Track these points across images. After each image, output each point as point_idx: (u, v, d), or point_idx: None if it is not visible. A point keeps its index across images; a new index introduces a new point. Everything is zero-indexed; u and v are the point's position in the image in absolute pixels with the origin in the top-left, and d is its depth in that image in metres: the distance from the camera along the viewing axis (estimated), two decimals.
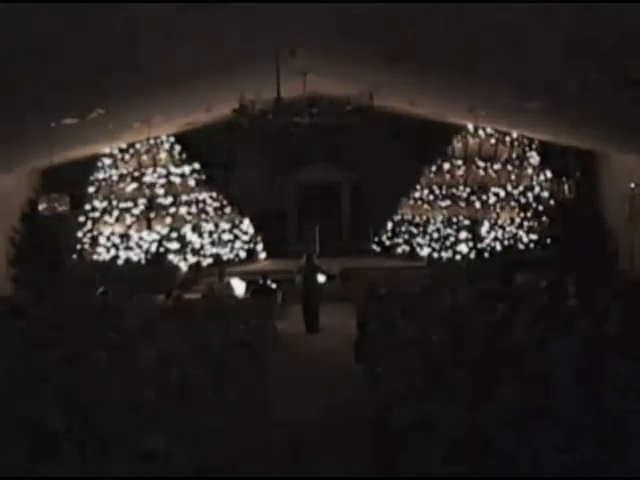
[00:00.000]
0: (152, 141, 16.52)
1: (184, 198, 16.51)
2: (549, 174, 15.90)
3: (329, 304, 13.81)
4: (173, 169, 16.79)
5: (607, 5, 4.79)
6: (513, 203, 15.85)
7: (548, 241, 15.45)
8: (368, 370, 8.84)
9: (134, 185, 16.36)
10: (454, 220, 16.02)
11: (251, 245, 17.14)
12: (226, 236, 16.72)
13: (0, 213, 15.00)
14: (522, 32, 6.36)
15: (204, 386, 7.11)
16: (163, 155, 16.85)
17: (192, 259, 15.83)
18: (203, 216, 16.61)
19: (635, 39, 5.55)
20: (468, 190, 16.23)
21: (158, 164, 16.74)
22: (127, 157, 16.60)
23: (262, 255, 17.36)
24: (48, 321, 10.44)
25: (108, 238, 15.74)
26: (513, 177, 16.23)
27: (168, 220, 16.01)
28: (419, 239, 16.41)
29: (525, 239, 15.49)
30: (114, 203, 16.10)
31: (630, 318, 9.04)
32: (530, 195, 15.98)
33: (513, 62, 7.91)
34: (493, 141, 16.52)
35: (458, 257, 15.57)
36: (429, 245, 16.10)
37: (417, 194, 17.05)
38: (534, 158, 16.41)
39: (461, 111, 13.89)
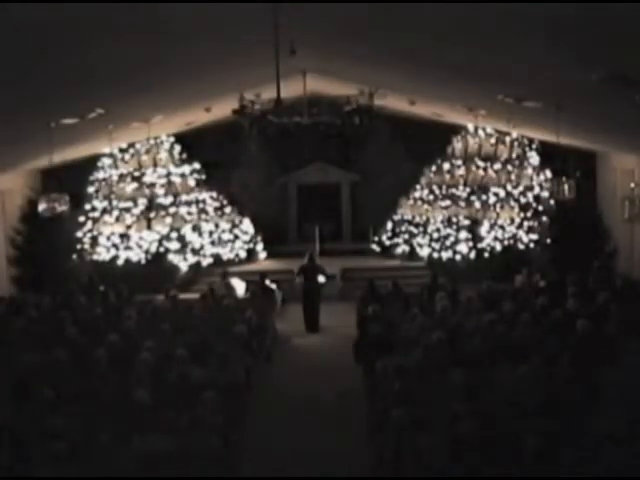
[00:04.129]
0: (152, 141, 16.51)
1: (184, 198, 16.50)
2: (549, 174, 15.88)
3: (329, 304, 13.81)
4: (173, 169, 16.78)
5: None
6: (513, 203, 15.83)
7: (548, 241, 15.43)
8: (368, 370, 8.84)
9: (134, 185, 16.34)
10: (454, 220, 16.00)
11: (251, 245, 17.14)
12: (226, 236, 16.72)
13: (0, 213, 15.00)
14: (522, 31, 6.36)
15: (203, 386, 7.11)
16: (163, 155, 16.84)
17: (192, 259, 15.82)
18: (203, 216, 16.60)
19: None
20: (468, 190, 16.22)
21: (158, 164, 16.74)
22: (127, 157, 16.59)
23: (262, 255, 17.36)
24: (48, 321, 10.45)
25: (108, 238, 15.72)
26: (513, 177, 16.21)
27: (168, 220, 15.99)
28: (419, 239, 16.40)
29: (525, 239, 15.47)
30: (114, 203, 16.09)
31: (629, 318, 9.05)
32: (530, 195, 15.97)
33: (513, 61, 7.90)
34: (493, 141, 16.52)
35: (458, 257, 15.55)
36: (429, 245, 16.08)
37: (417, 194, 17.04)
38: (534, 158, 16.40)
39: (461, 111, 13.88)
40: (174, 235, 15.77)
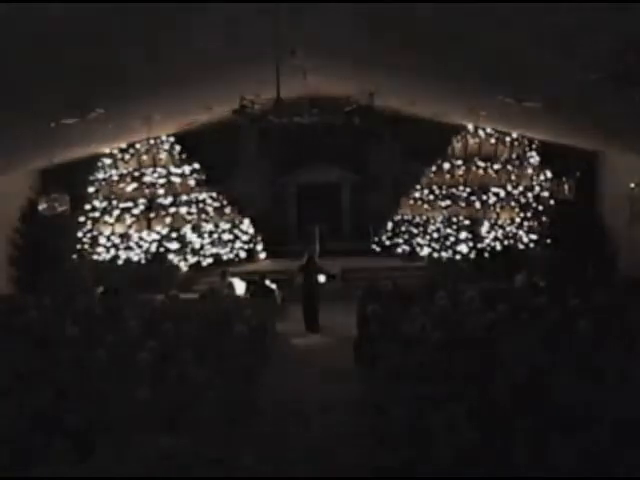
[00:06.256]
0: (152, 141, 16.52)
1: (184, 198, 16.51)
2: (549, 174, 15.89)
3: (329, 304, 13.81)
4: (173, 169, 16.80)
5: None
6: (513, 203, 15.84)
7: (548, 241, 15.44)
8: (368, 370, 8.83)
9: (134, 185, 16.35)
10: (454, 220, 16.01)
11: (251, 245, 17.15)
12: (226, 236, 16.72)
13: (0, 213, 15.01)
14: (522, 31, 6.37)
15: (204, 386, 7.11)
16: (163, 155, 16.85)
17: (192, 259, 15.83)
18: (203, 216, 16.61)
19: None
20: (468, 190, 16.23)
21: (158, 164, 16.74)
22: (127, 157, 16.60)
23: (262, 255, 17.37)
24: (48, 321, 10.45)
25: (108, 238, 15.73)
26: (513, 177, 16.22)
27: (168, 220, 16.01)
28: (419, 239, 16.41)
29: (525, 239, 15.48)
30: (114, 203, 16.10)
31: (630, 318, 9.05)
32: (530, 195, 15.97)
33: (513, 62, 7.91)
34: (493, 141, 16.52)
35: (458, 257, 15.56)
36: (429, 245, 16.09)
37: (417, 194, 17.06)
38: (534, 158, 16.41)
39: (461, 111, 13.88)
40: (174, 235, 15.78)
